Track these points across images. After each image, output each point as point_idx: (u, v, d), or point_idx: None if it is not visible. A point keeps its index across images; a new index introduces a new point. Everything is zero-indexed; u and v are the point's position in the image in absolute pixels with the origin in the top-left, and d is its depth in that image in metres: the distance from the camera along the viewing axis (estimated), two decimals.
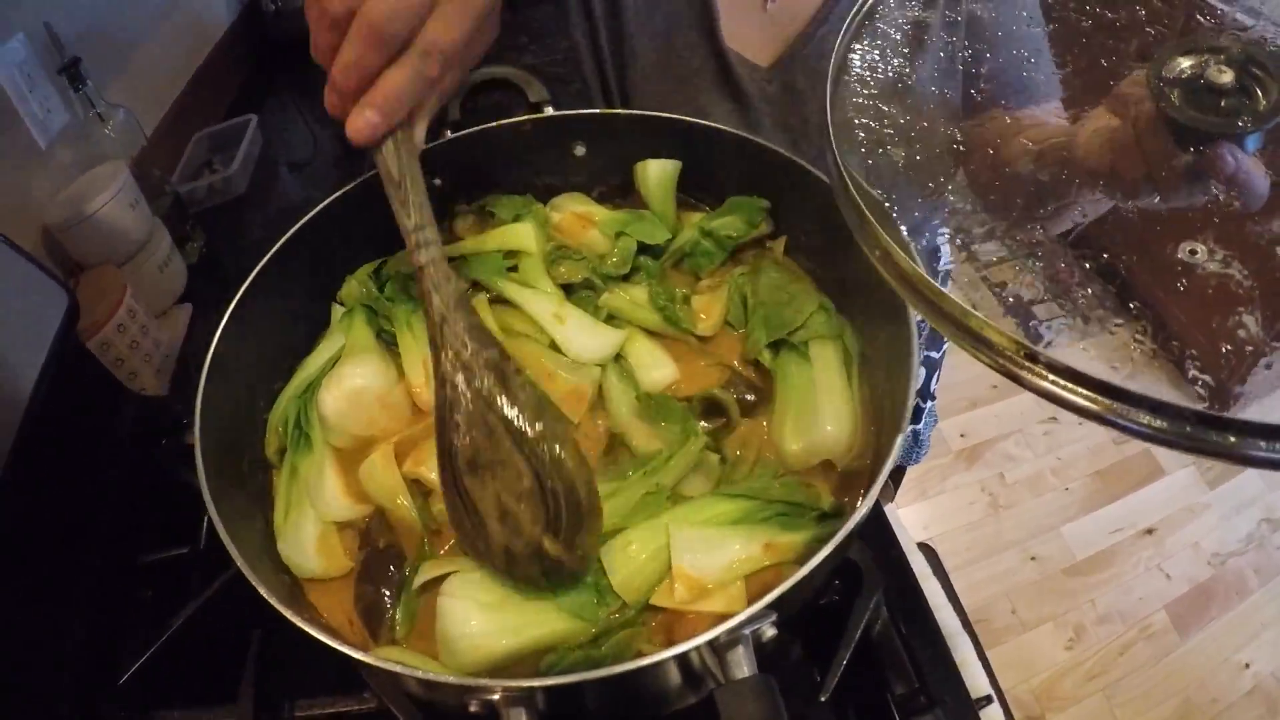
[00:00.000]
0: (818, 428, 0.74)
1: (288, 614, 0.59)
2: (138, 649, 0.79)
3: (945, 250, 1.28)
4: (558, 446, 0.64)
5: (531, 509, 0.62)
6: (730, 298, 0.88)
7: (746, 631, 0.55)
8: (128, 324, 1.16)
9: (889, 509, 0.87)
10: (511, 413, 0.64)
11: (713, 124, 0.90)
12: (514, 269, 0.90)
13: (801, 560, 0.63)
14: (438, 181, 0.92)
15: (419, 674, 0.57)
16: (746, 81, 1.09)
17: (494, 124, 0.92)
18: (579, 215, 0.95)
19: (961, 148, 0.75)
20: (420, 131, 0.66)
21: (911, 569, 0.79)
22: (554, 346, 0.84)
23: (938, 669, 0.74)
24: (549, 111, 0.96)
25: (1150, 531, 2.54)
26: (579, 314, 0.86)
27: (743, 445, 0.78)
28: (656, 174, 0.95)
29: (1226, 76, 0.56)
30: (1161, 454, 2.66)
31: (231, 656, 0.81)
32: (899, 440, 0.66)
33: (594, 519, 0.64)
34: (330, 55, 0.60)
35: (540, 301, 0.86)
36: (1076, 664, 2.28)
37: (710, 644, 0.54)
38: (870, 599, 0.71)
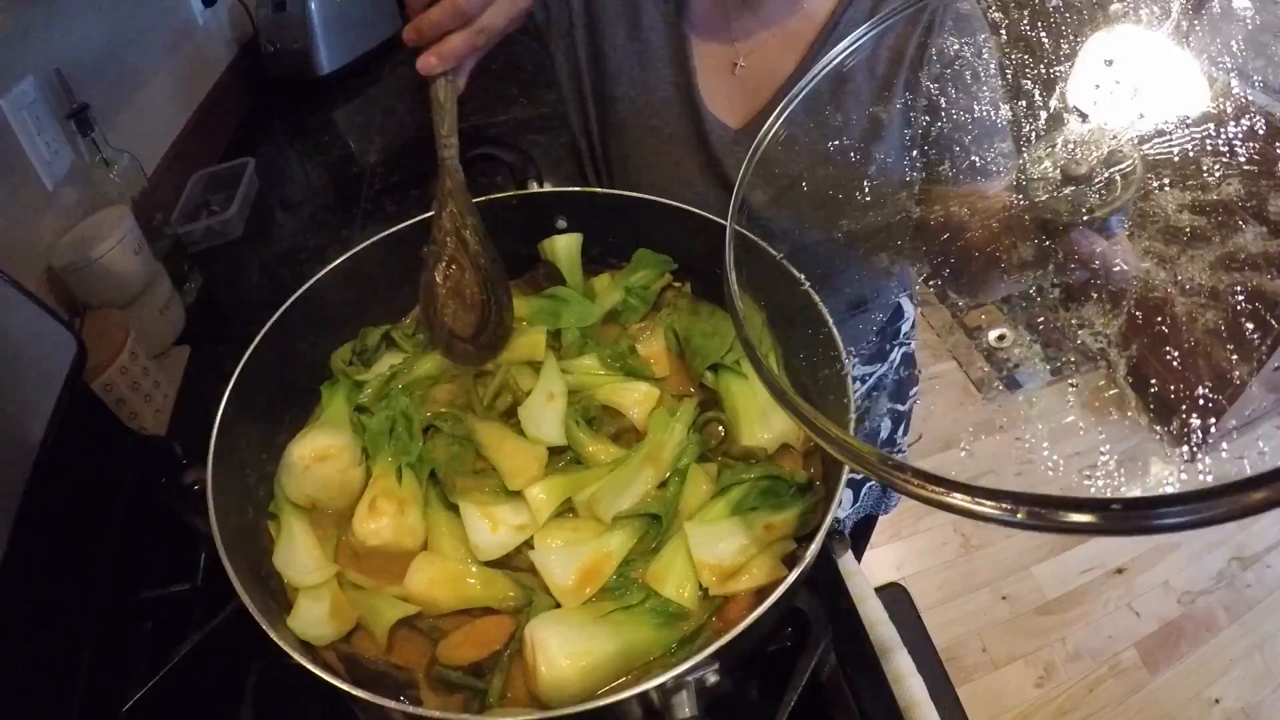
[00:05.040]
0: (767, 427, 0.87)
1: (288, 649, 0.64)
2: (139, 679, 0.82)
3: (907, 308, 1.34)
4: (499, 285, 0.93)
5: (471, 316, 0.92)
6: (667, 338, 0.99)
7: (690, 679, 0.62)
8: (130, 366, 1.20)
9: (846, 560, 0.91)
10: (479, 258, 0.91)
11: (682, 205, 0.98)
12: None
13: (797, 534, 0.78)
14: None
15: (407, 709, 0.62)
16: (716, 141, 1.14)
17: (483, 199, 0.98)
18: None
19: (914, 218, 0.81)
20: (462, 79, 0.88)
21: (860, 617, 0.84)
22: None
23: (881, 712, 0.79)
24: (534, 188, 1.03)
25: (1120, 571, 2.58)
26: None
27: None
28: (565, 246, 1.04)
29: (1082, 169, 0.63)
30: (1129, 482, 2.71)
31: (231, 687, 0.85)
32: (839, 494, 0.73)
33: (506, 336, 0.96)
34: (419, 7, 0.81)
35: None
36: (1047, 701, 2.31)
37: (659, 688, 0.61)
38: (817, 646, 0.76)
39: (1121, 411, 0.61)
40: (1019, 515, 0.45)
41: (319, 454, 0.85)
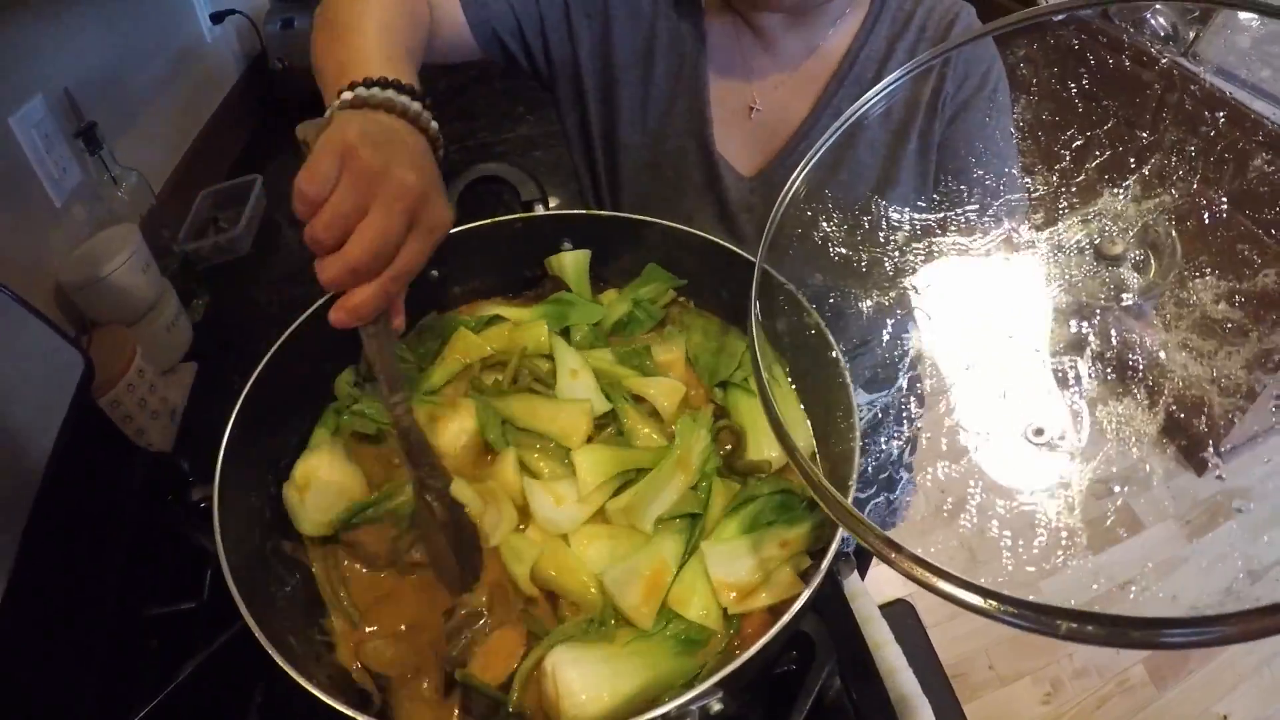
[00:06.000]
0: (773, 444, 0.87)
1: (292, 673, 0.65)
2: (145, 697, 0.82)
3: (914, 337, 1.34)
4: (467, 532, 0.83)
5: (453, 577, 0.81)
6: (688, 349, 0.99)
7: (693, 707, 0.62)
8: (137, 383, 1.20)
9: (851, 581, 0.91)
10: (448, 524, 0.80)
11: (687, 228, 0.98)
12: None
13: (811, 549, 0.79)
14: (435, 273, 0.99)
15: None
16: (731, 189, 1.14)
17: (489, 221, 0.99)
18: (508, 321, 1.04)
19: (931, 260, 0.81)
20: (396, 320, 0.75)
21: (865, 639, 0.84)
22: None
23: None
24: (539, 210, 1.03)
25: (1129, 584, 2.57)
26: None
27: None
28: (573, 261, 1.04)
29: (1117, 248, 0.61)
30: (1140, 508, 2.70)
31: (237, 706, 0.86)
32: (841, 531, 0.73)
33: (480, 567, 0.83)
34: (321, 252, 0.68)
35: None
36: (1054, 718, 2.30)
37: (662, 716, 0.61)
38: (821, 670, 0.76)
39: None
40: (1026, 620, 0.45)
41: (303, 481, 0.85)
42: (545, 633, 0.76)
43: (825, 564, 0.69)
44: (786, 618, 0.65)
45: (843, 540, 0.72)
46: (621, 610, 0.76)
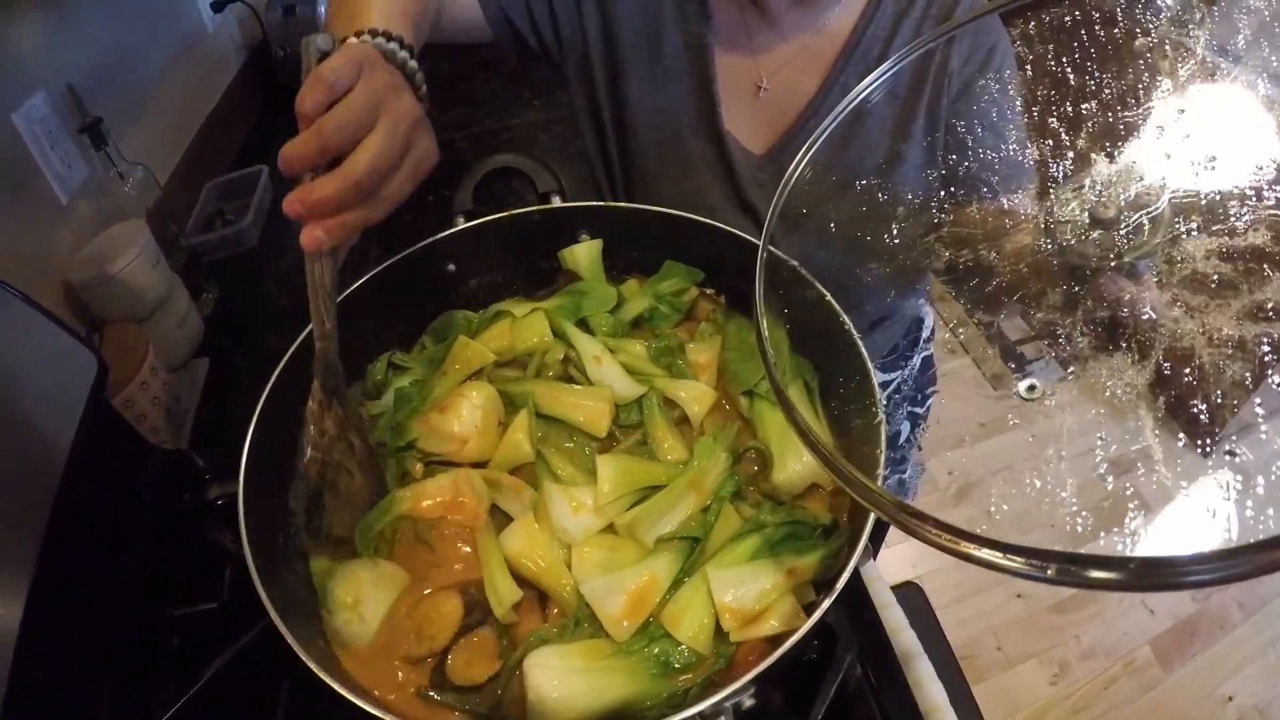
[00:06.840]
0: (797, 461, 0.85)
1: (319, 672, 0.65)
2: (169, 699, 0.82)
3: (926, 314, 1.34)
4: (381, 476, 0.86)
5: (356, 516, 0.83)
6: (721, 355, 0.96)
7: (728, 704, 0.63)
8: (150, 381, 1.20)
9: (868, 567, 0.91)
10: (366, 459, 0.83)
11: (707, 220, 0.97)
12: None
13: (819, 578, 0.77)
14: (451, 267, 0.98)
15: None
16: (741, 166, 1.14)
17: (505, 214, 0.99)
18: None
19: (939, 235, 0.81)
20: (342, 254, 0.78)
21: (884, 627, 0.84)
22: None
23: (903, 717, 0.80)
24: (556, 202, 1.02)
25: (1121, 534, 2.57)
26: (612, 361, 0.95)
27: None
28: (586, 252, 1.03)
29: (1110, 212, 0.62)
30: (1146, 491, 2.70)
31: (262, 706, 0.86)
32: (864, 539, 0.73)
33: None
34: (310, 163, 0.70)
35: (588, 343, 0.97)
36: (1061, 699, 2.31)
37: (699, 714, 0.61)
38: (844, 659, 0.76)
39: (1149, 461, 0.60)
40: (1049, 571, 0.45)
41: (353, 599, 0.79)
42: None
43: (840, 584, 0.69)
44: (795, 638, 0.65)
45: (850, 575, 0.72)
46: (599, 619, 0.75)
